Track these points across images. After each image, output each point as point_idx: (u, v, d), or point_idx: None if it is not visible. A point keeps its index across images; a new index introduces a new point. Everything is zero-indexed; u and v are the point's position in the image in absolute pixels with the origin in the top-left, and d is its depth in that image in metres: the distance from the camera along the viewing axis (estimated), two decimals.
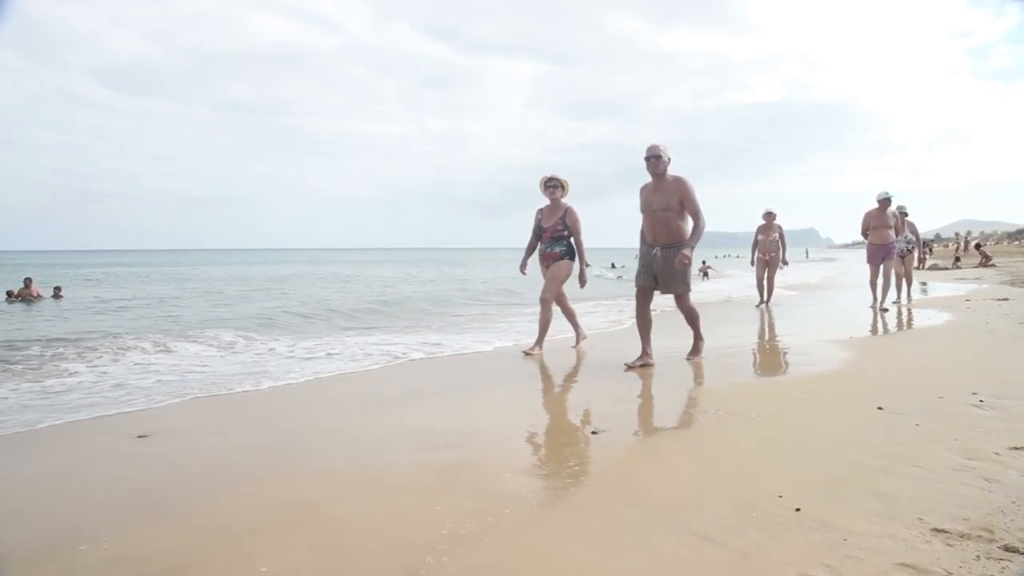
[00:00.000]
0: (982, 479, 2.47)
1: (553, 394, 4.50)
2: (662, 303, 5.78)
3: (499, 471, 2.82)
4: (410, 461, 2.98)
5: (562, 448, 3.10)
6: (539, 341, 6.04)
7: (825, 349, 5.95)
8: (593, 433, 3.27)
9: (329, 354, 6.34)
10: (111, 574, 1.95)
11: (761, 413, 3.60)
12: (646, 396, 4.20)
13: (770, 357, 6.04)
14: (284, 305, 13.16)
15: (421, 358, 6.07)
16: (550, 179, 6.12)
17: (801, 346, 6.25)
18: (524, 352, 5.95)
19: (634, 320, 5.41)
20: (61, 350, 6.71)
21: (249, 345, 7.12)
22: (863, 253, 10.21)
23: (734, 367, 5.27)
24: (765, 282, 10.56)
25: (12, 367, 5.83)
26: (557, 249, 6.09)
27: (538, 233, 6.17)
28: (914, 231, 10.79)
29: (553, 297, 6.10)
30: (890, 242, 9.16)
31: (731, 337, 7.24)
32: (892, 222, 9.20)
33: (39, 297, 14.50)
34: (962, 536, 1.99)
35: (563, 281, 6.12)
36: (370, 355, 6.18)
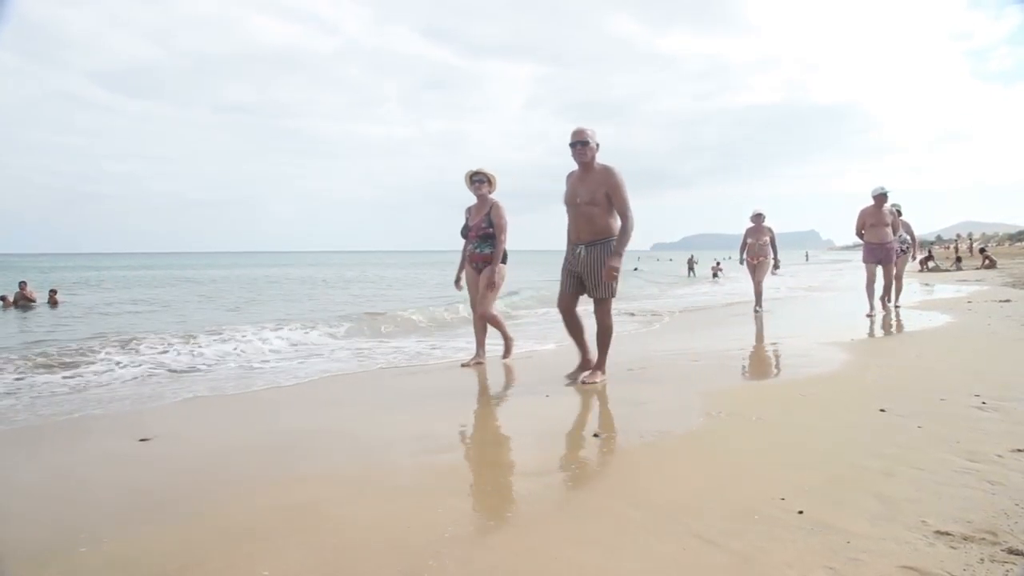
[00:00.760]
0: (985, 481, 2.46)
1: (550, 398, 4.48)
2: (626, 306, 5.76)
3: (499, 473, 2.81)
4: (411, 463, 2.97)
5: (563, 450, 3.10)
6: (479, 350, 5.67)
7: (826, 351, 5.94)
8: (595, 436, 3.26)
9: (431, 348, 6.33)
10: (112, 575, 1.95)
11: (762, 415, 3.59)
12: (646, 398, 4.19)
13: (771, 359, 6.03)
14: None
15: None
16: (475, 173, 5.49)
17: (802, 348, 6.23)
18: (464, 364, 5.52)
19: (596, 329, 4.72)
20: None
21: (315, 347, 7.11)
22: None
23: (735, 369, 5.26)
24: (754, 286, 10.22)
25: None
26: (487, 250, 5.47)
27: (464, 233, 5.61)
28: (909, 231, 10.18)
29: (492, 309, 5.60)
30: (888, 241, 8.53)
31: (732, 339, 7.23)
32: (889, 219, 8.57)
33: (34, 301, 14.26)
34: (965, 539, 1.98)
35: (500, 287, 5.61)
36: (420, 354, 6.18)
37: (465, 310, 7.99)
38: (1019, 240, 62.33)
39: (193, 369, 5.78)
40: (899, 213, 9.53)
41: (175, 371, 5.69)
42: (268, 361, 6.21)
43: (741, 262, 10.45)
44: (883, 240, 8.52)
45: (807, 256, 61.51)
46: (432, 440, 3.29)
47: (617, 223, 4.45)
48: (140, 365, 5.99)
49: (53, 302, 14.36)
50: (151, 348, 6.83)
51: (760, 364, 5.70)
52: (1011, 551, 1.90)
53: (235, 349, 6.98)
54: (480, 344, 5.68)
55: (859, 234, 8.81)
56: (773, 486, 2.45)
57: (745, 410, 3.70)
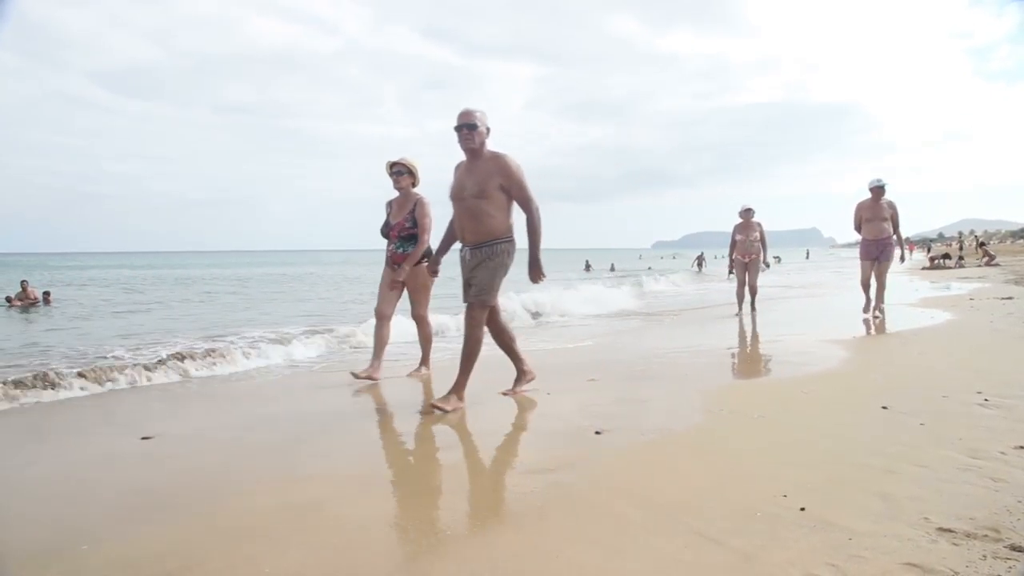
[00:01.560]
0: (988, 478, 2.46)
1: (552, 395, 4.48)
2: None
3: (501, 472, 2.81)
4: (412, 462, 2.97)
5: (563, 448, 3.09)
6: (376, 361, 4.95)
7: (827, 349, 5.93)
8: (596, 433, 3.26)
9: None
10: (112, 575, 1.94)
11: (764, 413, 3.58)
12: (649, 396, 4.19)
13: (772, 357, 6.02)
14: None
15: None
16: (395, 164, 4.88)
17: (804, 346, 6.22)
18: (355, 374, 4.86)
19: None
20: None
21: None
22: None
23: (737, 366, 5.26)
24: (747, 286, 9.44)
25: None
26: (410, 251, 4.86)
27: (385, 232, 4.98)
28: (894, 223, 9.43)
29: (392, 310, 5.02)
30: (885, 236, 8.06)
31: (733, 336, 7.23)
32: (888, 213, 8.05)
33: (36, 301, 14.48)
34: (968, 536, 1.98)
35: (429, 293, 5.04)
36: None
37: None
38: (1021, 238, 62.26)
39: (201, 368, 5.77)
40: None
41: (182, 372, 5.69)
42: (297, 363, 6.20)
43: (730, 266, 9.66)
44: (879, 235, 8.09)
45: (808, 254, 61.39)
46: (433, 438, 3.29)
47: (511, 221, 3.91)
48: (155, 369, 5.98)
49: (47, 302, 14.71)
50: (168, 350, 6.81)
51: (761, 362, 5.70)
52: (1013, 548, 1.89)
53: (243, 350, 6.97)
54: (379, 353, 4.96)
55: (857, 229, 8.36)
56: (775, 484, 2.45)
57: (746, 408, 3.70)
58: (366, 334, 6.73)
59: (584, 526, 2.16)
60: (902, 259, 8.75)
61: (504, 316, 4.20)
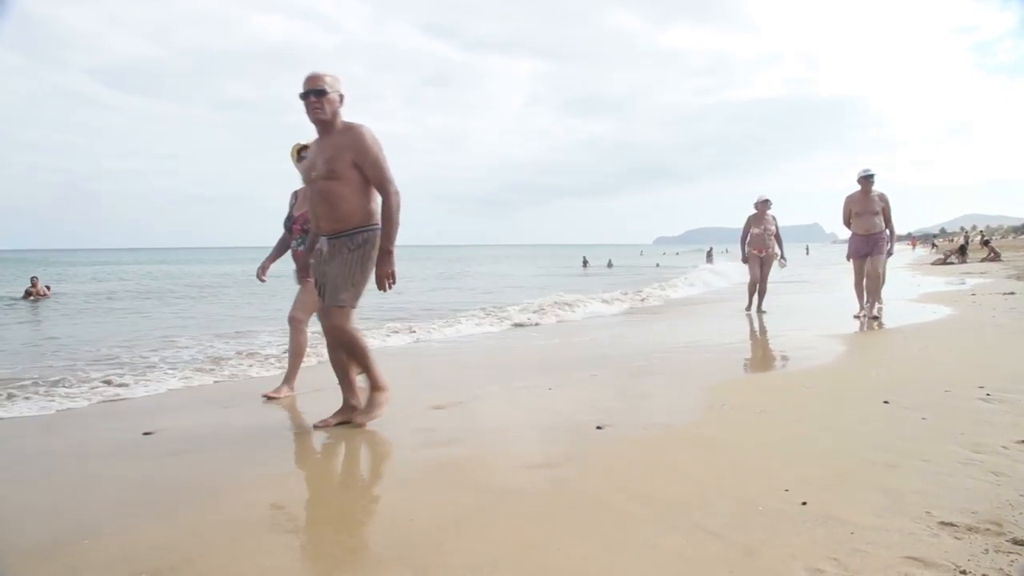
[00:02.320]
0: (990, 473, 2.45)
1: (554, 390, 4.48)
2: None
3: (503, 467, 2.81)
4: (413, 457, 2.97)
5: (565, 443, 3.09)
6: (290, 378, 4.34)
7: (829, 344, 5.92)
8: (598, 428, 3.25)
9: None
10: (114, 569, 1.94)
11: (765, 408, 3.58)
12: (650, 391, 4.19)
13: (774, 352, 6.01)
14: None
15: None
16: (303, 148, 4.11)
17: (805, 341, 6.22)
18: (265, 395, 4.25)
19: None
20: None
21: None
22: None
23: (737, 362, 5.25)
24: (751, 284, 8.92)
25: None
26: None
27: (288, 224, 4.33)
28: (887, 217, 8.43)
29: (308, 317, 4.25)
30: (877, 232, 7.53)
31: (734, 332, 7.22)
32: (879, 207, 7.54)
33: (45, 295, 15.63)
34: (970, 529, 1.97)
35: None
36: None
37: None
38: (1023, 233, 62.13)
39: (206, 367, 5.77)
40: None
41: (183, 366, 5.69)
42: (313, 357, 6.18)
43: (744, 258, 8.98)
44: (870, 231, 7.55)
45: (808, 249, 60.93)
46: (433, 433, 3.29)
47: (373, 206, 3.27)
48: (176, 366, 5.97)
49: (45, 295, 15.94)
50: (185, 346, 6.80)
51: (763, 357, 5.69)
52: (1016, 541, 1.89)
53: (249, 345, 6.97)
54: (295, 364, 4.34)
55: (847, 223, 7.81)
56: (776, 478, 2.45)
57: (748, 403, 3.69)
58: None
59: (585, 521, 2.16)
60: (889, 253, 8.10)
61: (359, 333, 3.39)
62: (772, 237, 8.79)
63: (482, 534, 2.08)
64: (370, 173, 3.20)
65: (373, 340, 7.02)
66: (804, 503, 2.20)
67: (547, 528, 2.11)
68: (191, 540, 2.12)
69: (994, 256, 21.97)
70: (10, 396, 4.45)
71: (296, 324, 4.25)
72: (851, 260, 7.80)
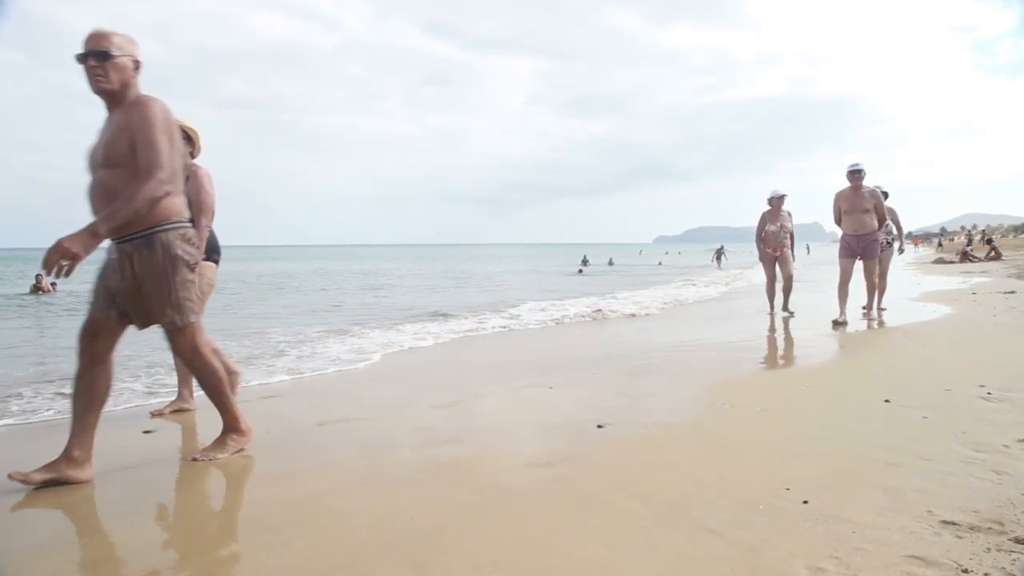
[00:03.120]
0: (991, 471, 2.45)
1: (553, 390, 4.48)
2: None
3: (504, 466, 2.81)
4: (413, 456, 2.97)
5: (566, 442, 3.09)
6: (186, 388, 3.88)
7: (830, 343, 5.93)
8: (598, 427, 3.25)
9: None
10: (111, 570, 1.95)
11: (766, 406, 3.58)
12: (651, 390, 4.19)
13: (775, 351, 6.01)
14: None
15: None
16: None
17: (807, 339, 6.22)
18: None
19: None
20: None
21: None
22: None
23: (738, 361, 5.24)
24: (770, 284, 8.36)
25: None
26: None
27: None
28: (895, 219, 8.05)
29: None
30: (868, 231, 7.03)
31: (735, 331, 7.22)
32: (871, 204, 7.01)
33: (49, 290, 16.26)
34: (972, 528, 1.97)
35: (207, 295, 3.67)
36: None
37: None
38: (1023, 232, 62.12)
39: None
40: (886, 197, 7.76)
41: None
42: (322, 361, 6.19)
43: (761, 258, 8.43)
44: (858, 230, 7.03)
45: (808, 248, 60.38)
46: (434, 432, 3.29)
47: (168, 200, 2.61)
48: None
49: (50, 291, 16.56)
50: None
51: (764, 356, 5.69)
52: (1017, 540, 1.89)
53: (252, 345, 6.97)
54: (185, 386, 3.88)
55: (838, 222, 7.34)
56: (777, 477, 2.44)
57: (749, 402, 3.69)
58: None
59: (586, 519, 2.16)
60: (900, 251, 8.24)
61: (212, 356, 2.89)
62: (788, 235, 8.22)
63: (483, 533, 2.08)
64: (139, 153, 2.54)
65: (373, 340, 7.03)
66: (805, 502, 2.20)
67: (548, 527, 2.11)
68: (191, 539, 2.12)
69: (995, 255, 21.97)
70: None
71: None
72: (840, 260, 7.28)
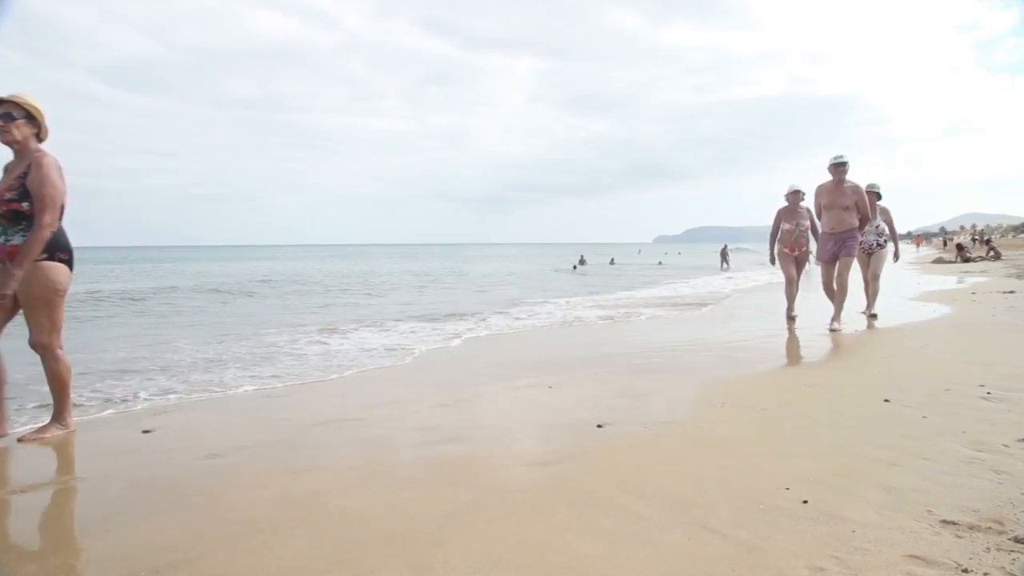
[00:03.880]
0: (991, 471, 2.45)
1: (553, 389, 4.48)
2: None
3: (504, 464, 2.81)
4: (413, 455, 2.97)
5: (566, 441, 3.09)
6: (64, 412, 3.42)
7: (830, 342, 5.92)
8: (599, 426, 3.25)
9: None
10: (115, 567, 1.94)
11: (767, 406, 3.58)
12: (651, 389, 4.19)
13: (775, 351, 6.01)
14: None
15: None
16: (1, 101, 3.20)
17: (807, 339, 6.22)
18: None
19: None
20: None
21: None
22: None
23: (740, 360, 5.24)
24: (790, 288, 7.53)
25: None
26: (15, 240, 3.19)
27: None
28: (888, 219, 7.65)
29: (55, 339, 3.31)
30: (846, 229, 6.56)
31: (735, 330, 7.22)
32: (852, 200, 6.53)
33: None
34: (971, 528, 1.97)
35: (59, 308, 3.30)
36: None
37: None
38: (1022, 232, 62.14)
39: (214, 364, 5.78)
40: (879, 197, 7.55)
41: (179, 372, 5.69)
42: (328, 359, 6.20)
43: (771, 258, 7.66)
44: (835, 228, 6.58)
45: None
46: (434, 432, 3.29)
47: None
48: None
49: None
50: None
51: (764, 355, 5.68)
52: (1017, 540, 1.89)
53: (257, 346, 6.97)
54: (61, 405, 3.41)
55: (819, 217, 6.92)
56: (777, 476, 2.45)
57: (749, 401, 3.69)
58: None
59: (587, 518, 2.16)
60: (896, 256, 7.71)
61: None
62: (806, 233, 7.43)
63: (484, 531, 2.08)
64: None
65: (372, 339, 7.03)
66: (805, 501, 2.20)
67: (548, 525, 2.11)
68: (192, 538, 2.12)
69: (995, 255, 21.98)
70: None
71: (47, 351, 3.30)
72: (820, 262, 6.89)
